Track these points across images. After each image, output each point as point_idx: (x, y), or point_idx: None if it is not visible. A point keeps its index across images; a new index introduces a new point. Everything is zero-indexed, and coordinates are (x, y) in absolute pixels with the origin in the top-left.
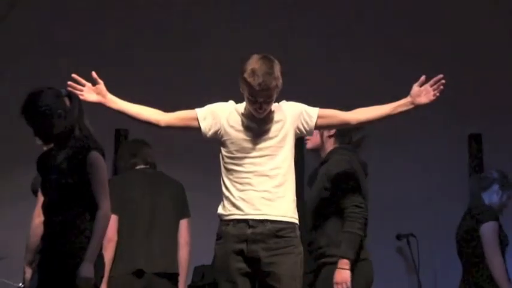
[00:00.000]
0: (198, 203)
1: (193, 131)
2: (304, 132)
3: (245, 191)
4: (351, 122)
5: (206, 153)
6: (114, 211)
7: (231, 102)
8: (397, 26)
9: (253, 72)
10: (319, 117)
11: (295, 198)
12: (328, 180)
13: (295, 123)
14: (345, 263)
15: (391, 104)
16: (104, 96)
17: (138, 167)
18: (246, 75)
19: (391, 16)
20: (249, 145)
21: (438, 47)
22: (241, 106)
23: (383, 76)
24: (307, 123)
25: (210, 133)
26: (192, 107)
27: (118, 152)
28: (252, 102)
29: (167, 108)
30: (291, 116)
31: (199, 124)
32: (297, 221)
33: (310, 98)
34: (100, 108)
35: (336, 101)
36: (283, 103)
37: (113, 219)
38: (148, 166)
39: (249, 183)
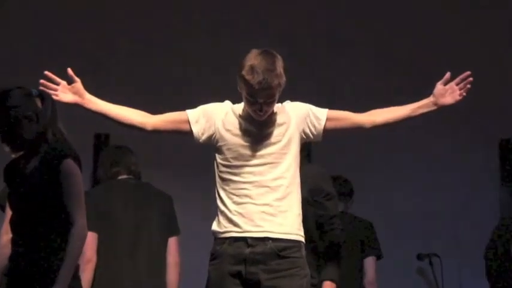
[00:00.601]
0: (189, 218)
1: (184, 135)
2: (311, 136)
3: (243, 205)
4: (364, 125)
5: (198, 161)
6: (92, 228)
7: (227, 103)
8: (420, 18)
9: (252, 68)
10: (328, 119)
11: (300, 212)
12: (311, 193)
13: (300, 126)
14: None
15: (411, 104)
16: (81, 96)
17: (120, 177)
18: (244, 72)
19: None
20: (247, 152)
21: (466, 44)
22: (239, 107)
23: (399, 75)
24: (314, 126)
25: (203, 138)
26: (184, 109)
27: (98, 161)
28: (251, 103)
29: (156, 111)
30: (296, 118)
31: (190, 128)
32: (302, 239)
33: (315, 98)
34: (77, 110)
35: (344, 101)
36: (287, 103)
37: (92, 237)
38: (132, 176)
39: (247, 196)
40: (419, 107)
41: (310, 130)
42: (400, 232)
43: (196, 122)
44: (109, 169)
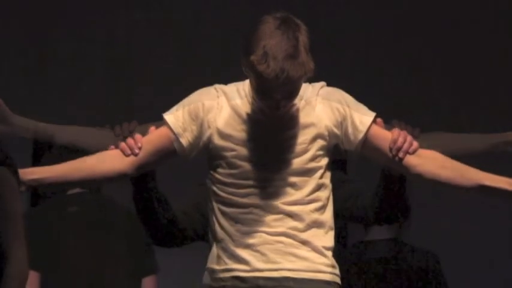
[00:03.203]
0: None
1: (170, 159)
2: (341, 147)
3: (252, 234)
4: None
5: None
6: (33, 266)
7: (220, 89)
8: None
9: (266, 54)
10: (369, 133)
11: (333, 244)
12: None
13: (333, 132)
14: None
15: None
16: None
17: (70, 192)
18: (254, 57)
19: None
20: (257, 168)
21: None
22: (241, 95)
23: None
24: (348, 138)
25: (194, 153)
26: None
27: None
28: (264, 97)
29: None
30: (328, 119)
31: (179, 142)
32: (338, 279)
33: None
34: (11, 99)
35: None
36: (315, 97)
37: (33, 279)
38: (87, 189)
39: (258, 221)
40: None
41: (342, 141)
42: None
43: (184, 130)
44: None
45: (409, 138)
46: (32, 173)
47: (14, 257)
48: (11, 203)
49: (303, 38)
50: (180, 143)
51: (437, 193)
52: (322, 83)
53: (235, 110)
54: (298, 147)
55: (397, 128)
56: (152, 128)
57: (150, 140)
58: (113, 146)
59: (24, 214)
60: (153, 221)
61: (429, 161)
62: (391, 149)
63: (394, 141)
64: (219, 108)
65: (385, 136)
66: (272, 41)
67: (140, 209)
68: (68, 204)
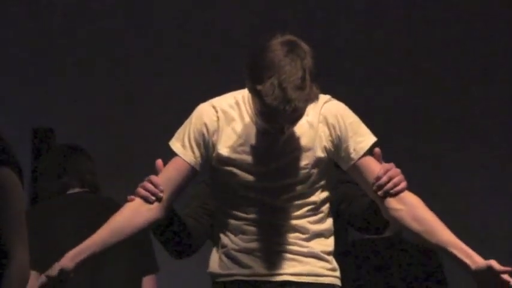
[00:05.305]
0: None
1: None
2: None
3: (255, 242)
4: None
5: None
6: (33, 265)
7: (220, 110)
8: None
9: (273, 86)
10: (360, 162)
11: (333, 246)
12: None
13: (332, 150)
14: None
15: (460, 243)
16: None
17: (71, 191)
18: (261, 88)
19: None
20: (260, 192)
21: None
22: (240, 114)
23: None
24: (340, 158)
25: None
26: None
27: (38, 167)
28: (268, 121)
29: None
30: (327, 138)
31: (195, 169)
32: (338, 281)
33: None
34: (9, 98)
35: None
36: (316, 117)
37: (33, 279)
38: (87, 189)
39: (260, 232)
40: (464, 254)
41: (335, 158)
42: None
43: (196, 157)
44: (55, 180)
45: (396, 179)
46: (78, 255)
47: (16, 258)
48: (15, 203)
49: (309, 65)
50: (195, 169)
51: (437, 192)
52: (327, 98)
53: (235, 131)
54: (301, 172)
55: (390, 164)
56: (159, 162)
57: (169, 176)
58: (132, 196)
59: (24, 213)
60: (172, 241)
61: (406, 209)
62: (373, 184)
63: (378, 178)
64: (220, 130)
65: (374, 170)
66: (280, 71)
67: (158, 232)
68: (68, 203)
